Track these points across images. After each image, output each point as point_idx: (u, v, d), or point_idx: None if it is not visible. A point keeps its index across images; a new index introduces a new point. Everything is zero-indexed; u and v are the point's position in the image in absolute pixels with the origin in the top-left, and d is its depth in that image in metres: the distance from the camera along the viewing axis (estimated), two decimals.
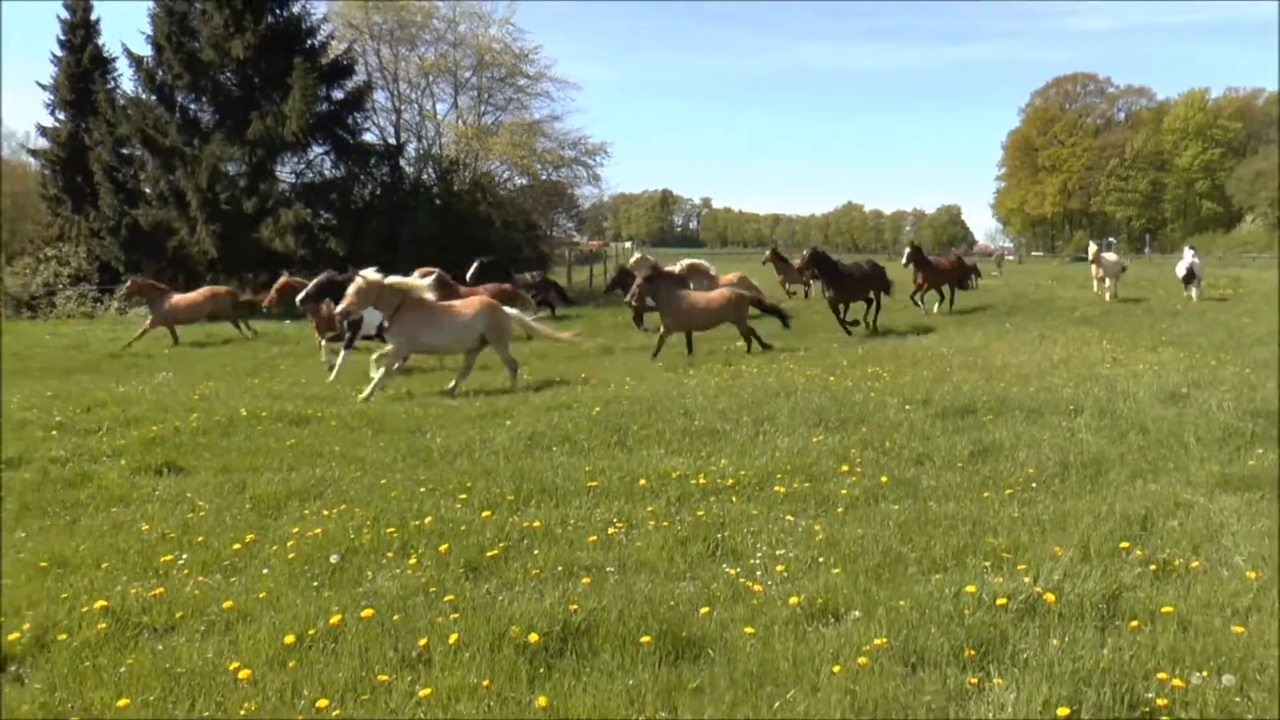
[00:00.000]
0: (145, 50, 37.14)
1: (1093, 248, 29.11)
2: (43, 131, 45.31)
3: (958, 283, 26.08)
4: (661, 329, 16.35)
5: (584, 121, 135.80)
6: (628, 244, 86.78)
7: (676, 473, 7.17)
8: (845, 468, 7.27)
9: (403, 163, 40.61)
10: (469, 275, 24.56)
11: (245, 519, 6.54)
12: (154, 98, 37.11)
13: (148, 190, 38.38)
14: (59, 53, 44.18)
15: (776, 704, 3.74)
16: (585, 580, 5.03)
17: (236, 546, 5.81)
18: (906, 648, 4.12)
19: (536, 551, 5.53)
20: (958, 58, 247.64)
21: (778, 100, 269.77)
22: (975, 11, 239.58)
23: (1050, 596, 4.52)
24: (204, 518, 6.58)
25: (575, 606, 4.51)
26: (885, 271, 21.66)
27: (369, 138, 39.93)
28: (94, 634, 4.54)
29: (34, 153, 48.12)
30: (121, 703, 3.89)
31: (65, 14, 44.24)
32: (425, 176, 40.33)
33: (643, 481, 6.97)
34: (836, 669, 3.94)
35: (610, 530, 5.92)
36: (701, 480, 6.96)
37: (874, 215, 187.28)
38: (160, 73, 36.80)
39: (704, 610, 4.58)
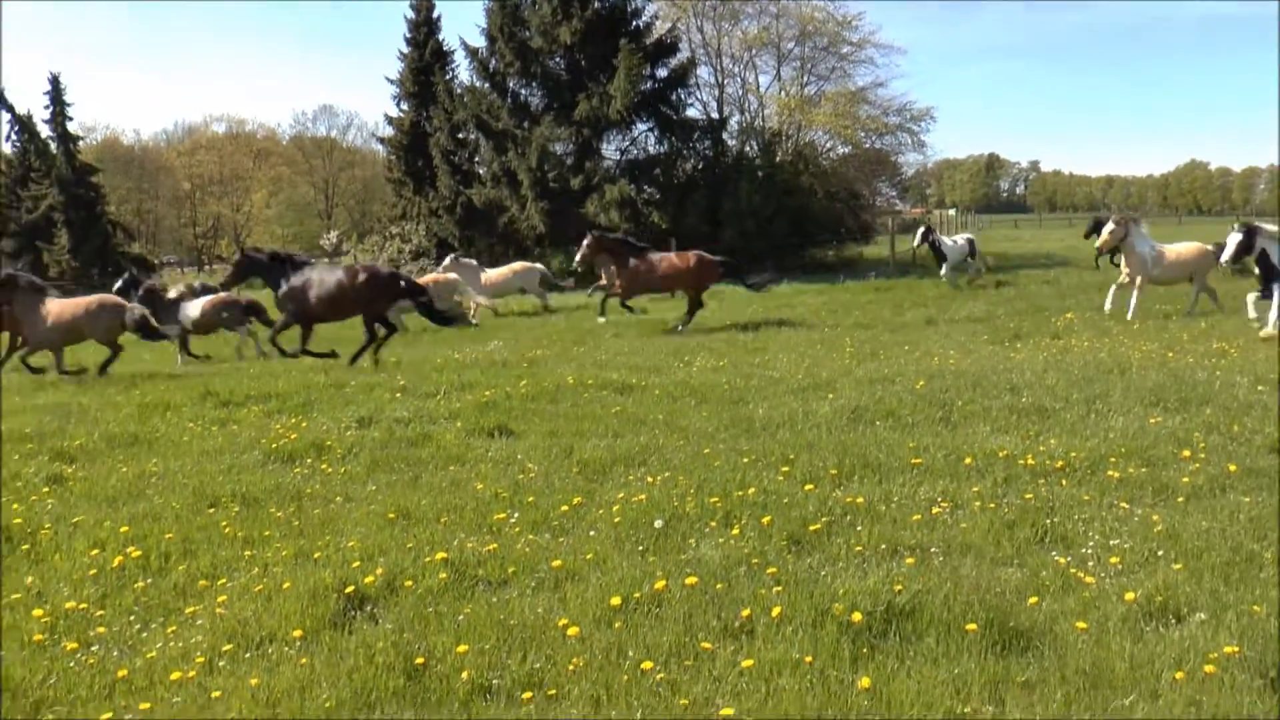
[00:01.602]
0: (480, 42, 39.91)
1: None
2: (389, 121, 49.69)
3: None
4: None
5: (908, 86, 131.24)
6: (950, 211, 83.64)
7: (1004, 452, 6.94)
8: (1187, 453, 6.75)
9: (725, 136, 41.12)
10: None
11: (572, 482, 6.89)
12: (487, 85, 39.83)
13: (481, 171, 41.44)
14: (405, 49, 48.07)
15: (1111, 707, 3.58)
16: (909, 560, 4.98)
17: (564, 508, 6.15)
18: (1263, 659, 3.81)
19: (860, 528, 5.52)
20: None
21: (1110, 55, 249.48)
22: None
23: None
24: (533, 479, 7.00)
25: (900, 587, 4.49)
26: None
27: (692, 113, 40.72)
28: (436, 583, 4.96)
29: (382, 140, 52.89)
30: (460, 649, 4.20)
31: (410, 14, 48.04)
32: (748, 149, 40.62)
33: (968, 460, 6.80)
34: (1179, 675, 3.70)
35: (934, 510, 5.82)
36: (1029, 461, 6.70)
37: (1220, 174, 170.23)
38: (493, 62, 39.40)
39: (1032, 600, 4.44)
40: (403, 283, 15.16)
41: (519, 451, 7.88)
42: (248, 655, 4.37)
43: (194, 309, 18.13)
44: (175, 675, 4.16)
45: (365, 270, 14.80)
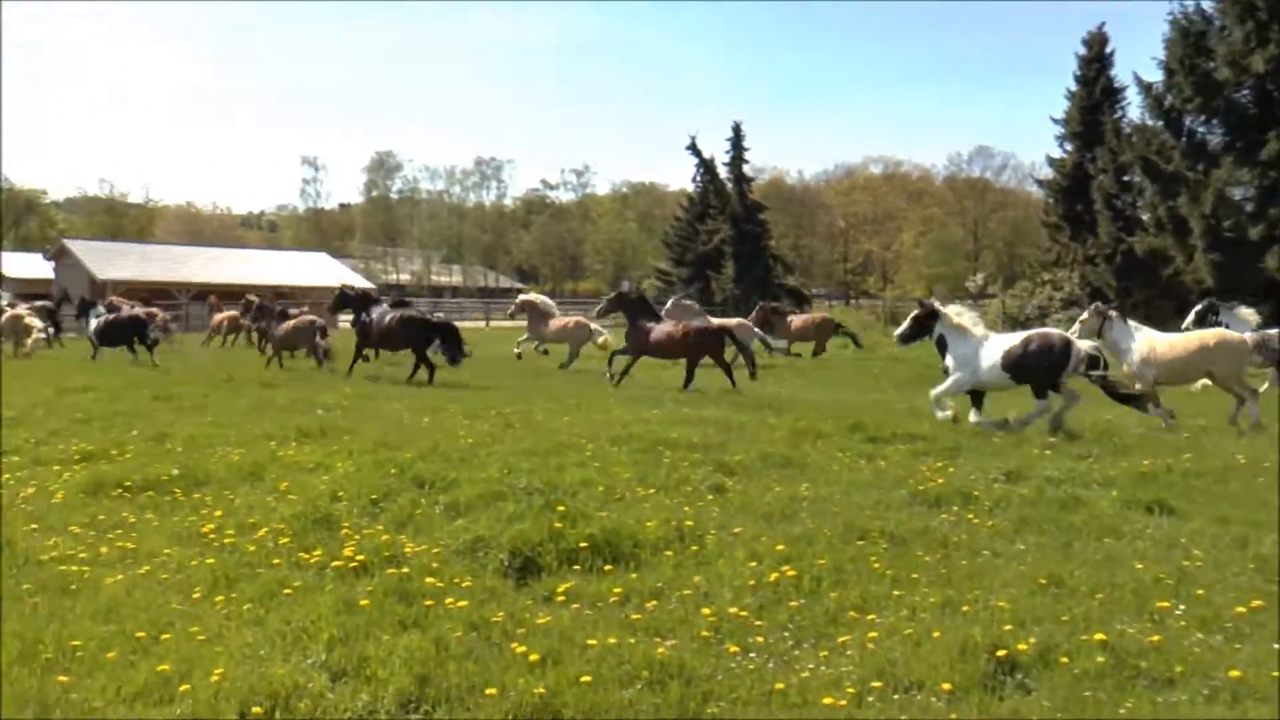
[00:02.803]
0: (1155, 76, 37.07)
1: None
2: (1050, 162, 48.16)
3: None
4: None
5: None
6: None
7: None
8: None
9: None
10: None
11: (1249, 580, 6.02)
12: (1160, 123, 36.97)
13: (1145, 217, 38.43)
14: (1073, 87, 46.32)
15: None
16: None
17: (1240, 610, 5.38)
18: None
19: None
20: None
21: None
22: None
23: None
24: (1200, 568, 6.22)
25: None
26: None
27: None
28: (1093, 665, 4.55)
29: (1040, 182, 51.51)
30: None
31: (1082, 49, 46.18)
32: None
33: None
34: None
35: None
36: None
37: None
38: (1168, 97, 36.54)
39: None
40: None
41: (1181, 534, 7.09)
42: (895, 697, 4.35)
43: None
44: (827, 700, 4.26)
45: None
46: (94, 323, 25.16)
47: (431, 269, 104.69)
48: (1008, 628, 4.96)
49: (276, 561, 6.38)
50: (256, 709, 4.19)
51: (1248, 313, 17.13)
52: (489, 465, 8.93)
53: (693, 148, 58.95)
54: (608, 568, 6.19)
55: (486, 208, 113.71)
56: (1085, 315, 14.12)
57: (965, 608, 5.35)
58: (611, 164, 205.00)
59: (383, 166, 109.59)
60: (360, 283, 42.46)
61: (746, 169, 60.29)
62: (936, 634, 4.91)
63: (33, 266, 64.17)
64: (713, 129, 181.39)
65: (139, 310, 27.01)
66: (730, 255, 55.50)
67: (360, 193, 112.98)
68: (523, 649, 4.77)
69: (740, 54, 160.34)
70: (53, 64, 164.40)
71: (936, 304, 13.46)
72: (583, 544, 6.41)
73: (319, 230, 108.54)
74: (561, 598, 5.64)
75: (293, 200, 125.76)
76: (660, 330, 18.07)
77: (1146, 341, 13.30)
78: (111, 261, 54.90)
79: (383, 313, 20.09)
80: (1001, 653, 4.63)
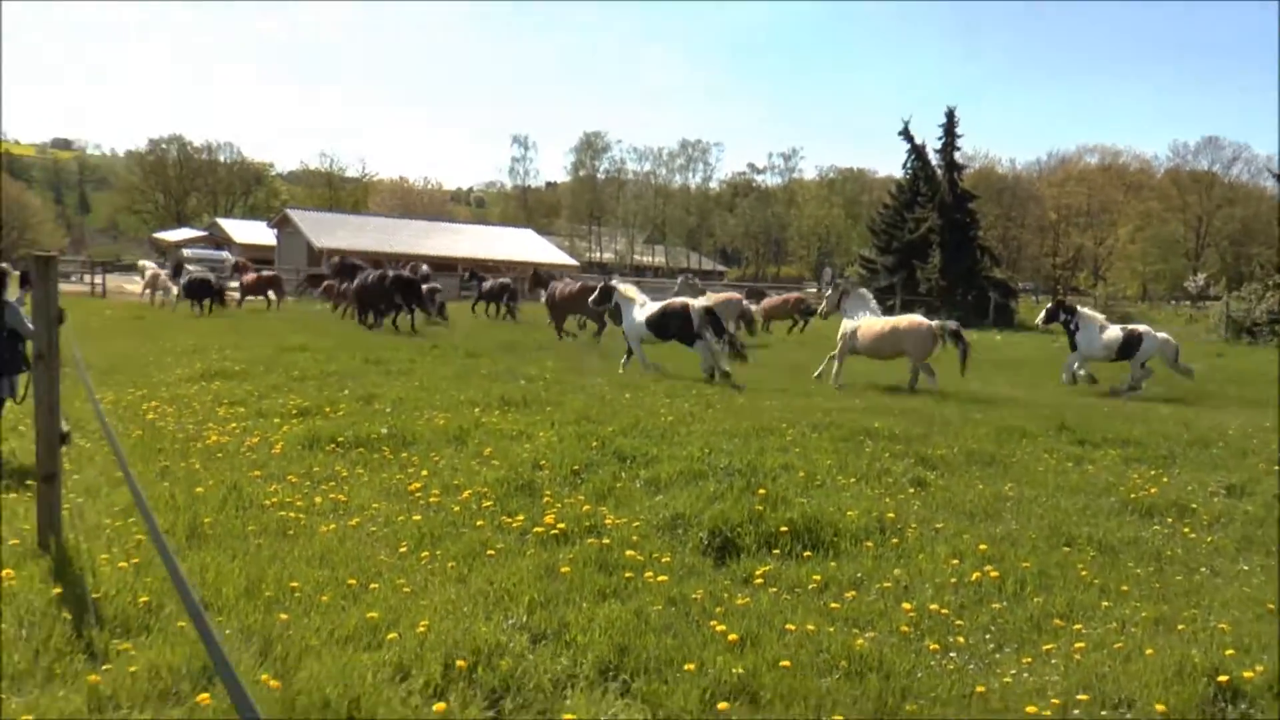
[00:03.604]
0: None
1: None
2: None
3: None
4: None
5: None
6: None
7: None
8: None
9: None
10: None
11: None
12: None
13: None
14: None
15: None
16: None
17: None
18: None
19: None
20: None
21: None
22: None
23: None
24: None
25: None
26: None
27: None
28: None
29: (1278, 176, 47.88)
30: None
31: None
32: None
33: None
34: None
35: None
36: None
37: None
38: None
39: None
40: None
41: None
42: (1103, 713, 4.22)
43: None
44: (1030, 708, 4.17)
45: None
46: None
47: (635, 248, 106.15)
48: (1229, 652, 4.73)
49: (480, 523, 6.68)
50: (460, 662, 4.40)
51: (1092, 313, 18.93)
52: (689, 443, 9.07)
53: (905, 133, 57.41)
54: (807, 554, 6.21)
55: (691, 190, 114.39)
56: (829, 291, 18.45)
57: (1181, 626, 5.13)
58: (820, 149, 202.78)
59: (591, 147, 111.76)
60: (564, 259, 43.84)
61: (958, 156, 58.31)
62: (1149, 651, 4.72)
63: (257, 233, 68.62)
64: (925, 114, 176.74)
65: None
66: (937, 245, 53.94)
67: (567, 171, 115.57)
68: (722, 628, 4.86)
69: (954, 36, 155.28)
70: (284, 52, 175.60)
71: (614, 282, 18.20)
72: (782, 528, 6.45)
73: (525, 207, 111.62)
74: (760, 580, 5.71)
75: (501, 178, 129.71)
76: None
77: (860, 321, 16.46)
78: (328, 231, 58.11)
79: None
80: (1223, 678, 4.42)
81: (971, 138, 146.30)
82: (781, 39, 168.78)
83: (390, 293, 24.60)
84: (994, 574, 5.82)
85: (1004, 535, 6.74)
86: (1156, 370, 18.08)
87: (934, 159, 57.05)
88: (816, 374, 16.81)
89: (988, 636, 5.01)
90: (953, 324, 16.16)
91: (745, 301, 28.67)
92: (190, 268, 32.37)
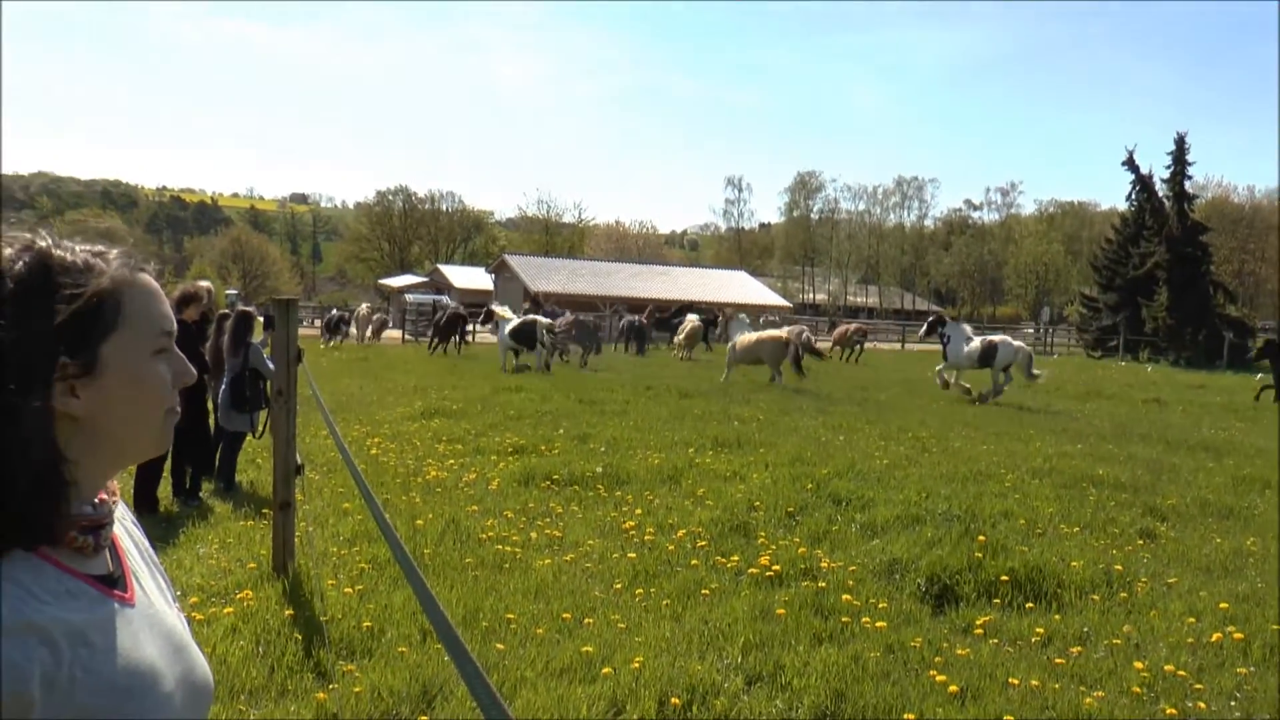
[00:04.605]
0: None
1: None
2: None
3: None
4: None
5: None
6: None
7: None
8: None
9: None
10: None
11: None
12: None
13: None
14: None
15: None
16: None
17: None
18: None
19: None
20: None
21: None
22: None
23: None
24: None
25: None
26: None
27: None
28: None
29: None
30: None
31: None
32: None
33: None
34: None
35: None
36: None
37: None
38: None
39: None
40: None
41: None
42: None
43: None
44: None
45: None
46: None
47: (848, 289, 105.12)
48: None
49: (694, 563, 6.76)
50: (675, 700, 4.48)
51: (962, 326, 20.84)
52: (906, 487, 8.94)
53: (1129, 162, 54.64)
54: (1029, 605, 6.02)
55: (906, 228, 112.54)
56: (721, 319, 25.58)
57: None
58: (1039, 183, 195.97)
59: (804, 186, 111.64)
60: (777, 300, 43.66)
61: (1188, 185, 55.01)
62: None
63: (476, 278, 71.50)
64: (1152, 141, 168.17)
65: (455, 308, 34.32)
66: (1164, 281, 50.98)
67: (780, 212, 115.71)
68: (942, 678, 4.78)
69: (1182, 53, 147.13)
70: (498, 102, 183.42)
71: (494, 308, 26.39)
72: (1003, 577, 6.28)
73: (739, 249, 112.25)
74: (980, 630, 5.57)
75: (714, 220, 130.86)
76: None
77: (742, 337, 21.63)
78: (544, 275, 59.88)
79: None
80: None
81: (1204, 165, 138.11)
82: (997, 70, 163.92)
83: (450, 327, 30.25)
84: (1237, 635, 5.48)
85: (1248, 594, 6.33)
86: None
87: (1161, 189, 54.13)
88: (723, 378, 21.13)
89: (1233, 704, 4.71)
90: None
91: (805, 333, 27.98)
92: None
